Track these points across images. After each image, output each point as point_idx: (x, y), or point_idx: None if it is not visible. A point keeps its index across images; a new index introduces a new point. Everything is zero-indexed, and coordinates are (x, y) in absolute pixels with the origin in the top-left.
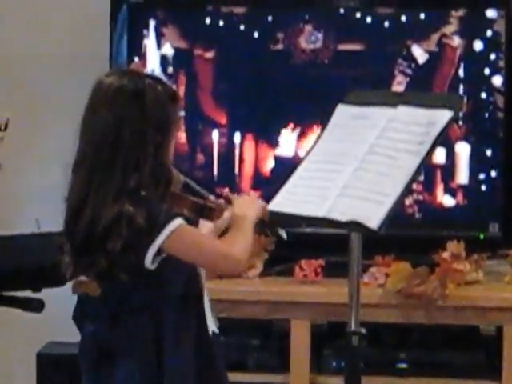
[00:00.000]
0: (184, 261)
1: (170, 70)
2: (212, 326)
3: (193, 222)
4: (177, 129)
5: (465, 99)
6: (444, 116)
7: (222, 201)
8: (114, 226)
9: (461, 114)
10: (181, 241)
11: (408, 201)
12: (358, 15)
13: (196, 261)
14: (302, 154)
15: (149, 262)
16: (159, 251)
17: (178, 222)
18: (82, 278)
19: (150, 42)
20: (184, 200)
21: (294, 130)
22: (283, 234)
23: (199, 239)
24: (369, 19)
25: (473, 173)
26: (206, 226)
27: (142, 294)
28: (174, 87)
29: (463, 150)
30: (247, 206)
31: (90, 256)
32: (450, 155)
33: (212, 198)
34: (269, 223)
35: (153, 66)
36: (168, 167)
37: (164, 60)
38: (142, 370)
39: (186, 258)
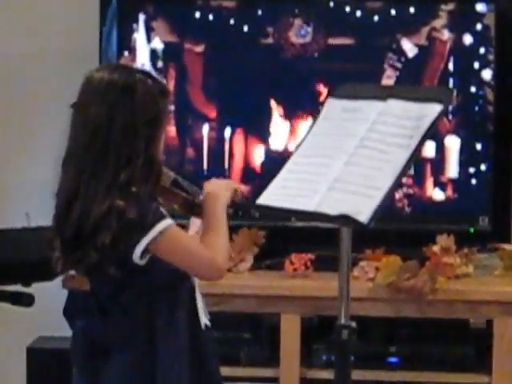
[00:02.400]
0: (167, 261)
1: (160, 64)
2: (204, 320)
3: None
4: (167, 123)
5: (454, 93)
6: (434, 110)
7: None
8: (104, 220)
9: (450, 107)
10: (167, 243)
11: (398, 194)
12: (348, 9)
13: (179, 264)
14: (291, 147)
15: (137, 258)
16: (145, 251)
17: (166, 222)
18: (73, 272)
19: (139, 36)
20: (174, 196)
21: (283, 123)
22: (255, 213)
23: (185, 244)
24: (358, 13)
25: (462, 166)
26: (195, 223)
27: (133, 289)
28: (164, 81)
29: (453, 143)
30: (218, 187)
31: (79, 250)
32: (440, 149)
33: (201, 196)
34: (241, 204)
35: (143, 60)
36: (159, 162)
37: (154, 54)
38: (134, 365)
39: (169, 260)
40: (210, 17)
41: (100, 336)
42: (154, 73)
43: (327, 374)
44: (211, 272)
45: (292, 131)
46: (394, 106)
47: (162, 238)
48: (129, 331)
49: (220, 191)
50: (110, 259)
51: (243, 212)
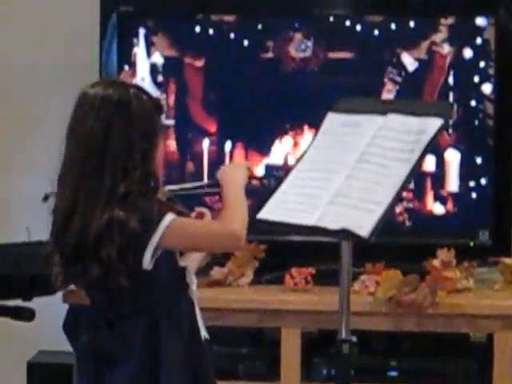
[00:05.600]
0: (187, 251)
1: (160, 78)
2: (203, 333)
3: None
4: (162, 137)
5: (455, 107)
6: (434, 124)
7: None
8: (106, 232)
9: (451, 122)
10: (178, 234)
11: (398, 209)
12: (348, 23)
13: (198, 248)
14: (292, 162)
15: (147, 262)
16: (155, 250)
17: (170, 217)
18: (73, 287)
19: (139, 50)
20: (170, 208)
21: (284, 138)
22: (271, 182)
23: (195, 227)
24: (358, 27)
25: (463, 180)
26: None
27: (136, 299)
28: (164, 96)
29: (453, 157)
30: (231, 172)
31: (81, 264)
32: (440, 163)
33: (193, 214)
34: (258, 177)
35: (143, 74)
36: (156, 176)
37: (154, 68)
38: (139, 374)
39: (187, 248)
40: (210, 31)
41: (106, 347)
42: (147, 88)
43: None
44: (228, 242)
45: (292, 145)
46: (394, 120)
47: (171, 230)
48: (134, 341)
49: (235, 173)
50: (119, 270)
51: (262, 183)
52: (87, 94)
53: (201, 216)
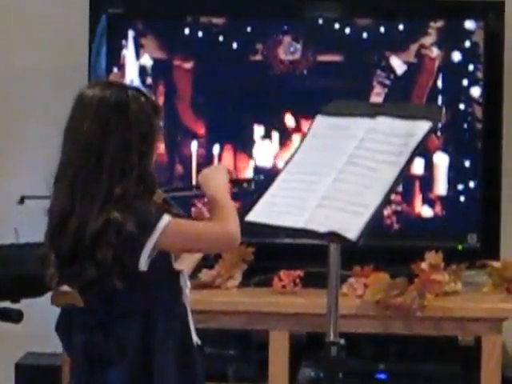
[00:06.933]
0: (183, 252)
1: (149, 80)
2: (195, 338)
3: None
4: (159, 139)
5: (443, 110)
6: (422, 127)
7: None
8: (102, 234)
9: (439, 125)
10: (174, 235)
11: (386, 212)
12: (337, 26)
13: (194, 249)
14: (280, 164)
15: (143, 264)
16: (152, 251)
17: (166, 218)
18: (65, 288)
19: (128, 52)
20: (166, 210)
21: (272, 140)
22: (252, 185)
23: (192, 228)
24: (347, 30)
25: (451, 183)
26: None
27: (130, 300)
28: (154, 98)
29: (442, 160)
30: (213, 174)
31: (77, 265)
32: (429, 166)
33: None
34: (239, 179)
35: (132, 76)
36: (153, 177)
37: (143, 71)
38: (132, 376)
39: (184, 249)
40: (200, 33)
41: (100, 349)
42: (144, 89)
43: None
44: (226, 243)
45: (281, 148)
46: (383, 123)
47: (168, 232)
48: (127, 344)
49: (216, 177)
50: (114, 272)
51: (245, 184)
52: (84, 95)
53: (200, 216)
